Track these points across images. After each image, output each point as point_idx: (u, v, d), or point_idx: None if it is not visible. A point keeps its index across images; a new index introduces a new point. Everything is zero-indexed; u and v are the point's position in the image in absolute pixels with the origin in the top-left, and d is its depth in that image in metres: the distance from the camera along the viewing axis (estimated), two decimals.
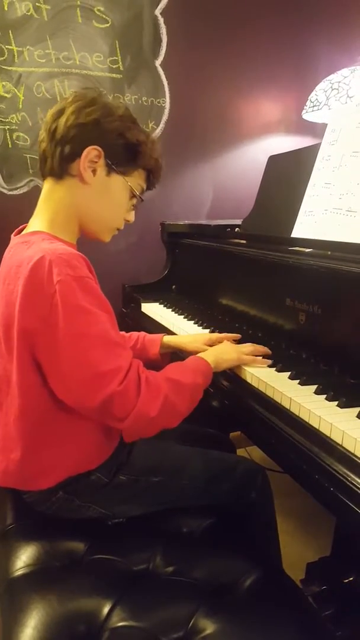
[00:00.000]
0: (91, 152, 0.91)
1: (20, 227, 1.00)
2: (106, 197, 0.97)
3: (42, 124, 0.95)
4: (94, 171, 0.93)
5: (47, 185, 0.96)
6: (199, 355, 0.99)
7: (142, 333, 1.22)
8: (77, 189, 0.93)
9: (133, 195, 1.00)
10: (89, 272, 0.85)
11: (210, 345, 1.13)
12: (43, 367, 0.83)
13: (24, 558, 0.88)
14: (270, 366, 1.01)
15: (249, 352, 1.04)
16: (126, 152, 0.95)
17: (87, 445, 0.92)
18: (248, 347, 1.06)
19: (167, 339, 1.20)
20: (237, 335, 1.17)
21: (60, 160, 0.91)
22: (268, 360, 1.03)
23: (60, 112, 0.91)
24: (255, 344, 1.07)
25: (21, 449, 0.88)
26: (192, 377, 0.91)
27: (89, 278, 0.83)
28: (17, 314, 0.81)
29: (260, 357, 1.04)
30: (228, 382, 1.04)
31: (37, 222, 0.94)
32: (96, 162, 0.92)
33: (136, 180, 1.00)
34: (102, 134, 0.91)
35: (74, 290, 0.79)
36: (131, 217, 1.04)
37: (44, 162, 0.95)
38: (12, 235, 0.98)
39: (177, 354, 1.21)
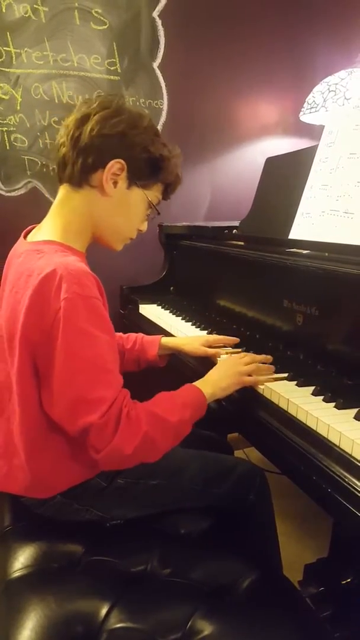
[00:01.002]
0: (115, 165, 0.90)
1: (29, 227, 0.99)
2: (124, 209, 0.96)
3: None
4: (114, 183, 0.92)
5: (64, 192, 0.94)
6: (195, 383, 0.94)
7: (140, 334, 1.22)
8: (95, 199, 0.93)
9: (149, 207, 1.00)
10: (98, 292, 0.84)
11: (208, 347, 1.13)
12: (40, 379, 0.83)
13: (21, 559, 0.88)
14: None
15: (252, 371, 0.96)
16: (149, 166, 0.95)
17: (87, 456, 0.92)
18: (250, 367, 0.97)
19: (165, 340, 1.20)
20: (235, 340, 1.16)
21: (81, 170, 0.90)
22: (272, 372, 0.98)
23: (85, 119, 0.90)
24: (254, 356, 1.01)
25: (24, 457, 0.88)
26: (179, 413, 0.86)
27: (97, 299, 0.82)
28: (21, 324, 0.81)
29: (266, 366, 0.99)
30: None
31: (50, 228, 0.93)
32: (118, 175, 0.92)
33: (154, 193, 1.00)
34: (126, 148, 0.91)
35: (78, 309, 0.78)
36: (144, 227, 1.04)
37: (63, 167, 0.93)
38: (21, 236, 0.98)
39: (175, 355, 1.22)
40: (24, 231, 0.99)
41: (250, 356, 1.00)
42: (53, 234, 0.91)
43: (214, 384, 0.94)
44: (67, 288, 0.78)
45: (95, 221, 0.95)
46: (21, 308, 0.81)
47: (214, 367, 1.00)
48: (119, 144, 0.90)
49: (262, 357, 1.01)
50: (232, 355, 1.07)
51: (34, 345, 0.81)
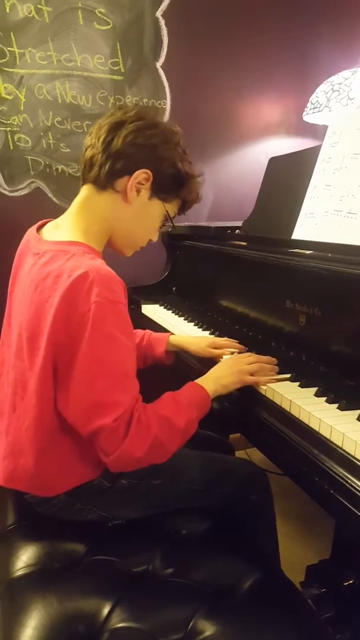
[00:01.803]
0: (141, 174, 0.92)
1: (42, 222, 1.00)
2: (142, 218, 0.99)
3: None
4: (137, 191, 0.94)
5: (86, 192, 0.96)
6: (197, 381, 0.95)
7: (148, 331, 1.23)
8: (117, 204, 0.95)
9: (165, 219, 1.02)
10: (125, 297, 0.85)
11: (214, 349, 1.13)
12: (57, 379, 0.84)
13: (24, 558, 0.88)
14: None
15: (255, 371, 0.96)
16: (173, 181, 0.98)
17: (93, 456, 0.92)
18: (252, 367, 0.97)
19: (172, 338, 1.20)
20: (241, 347, 1.14)
21: (108, 173, 0.92)
22: (275, 373, 0.98)
23: (120, 125, 0.92)
24: (259, 356, 1.00)
25: (31, 455, 0.88)
26: (187, 414, 0.87)
27: (124, 305, 0.84)
28: (49, 326, 0.81)
29: (269, 367, 0.98)
30: None
31: (71, 228, 0.93)
32: (143, 184, 0.94)
33: (172, 207, 1.03)
34: (156, 160, 0.93)
35: (106, 313, 0.79)
36: (156, 237, 1.06)
37: (89, 168, 0.94)
38: (34, 230, 0.98)
39: (179, 354, 1.22)
40: (37, 224, 1.00)
41: (254, 356, 1.01)
42: (75, 234, 0.92)
43: (215, 380, 0.95)
44: (98, 292, 0.78)
45: (112, 225, 0.97)
46: (49, 308, 0.82)
47: (217, 365, 1.01)
48: (150, 155, 0.93)
49: (267, 358, 1.01)
50: (236, 354, 1.06)
51: (57, 345, 0.81)
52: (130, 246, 1.04)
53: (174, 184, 0.98)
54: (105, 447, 0.80)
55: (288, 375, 0.96)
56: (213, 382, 0.94)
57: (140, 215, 0.98)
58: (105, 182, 0.93)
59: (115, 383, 0.80)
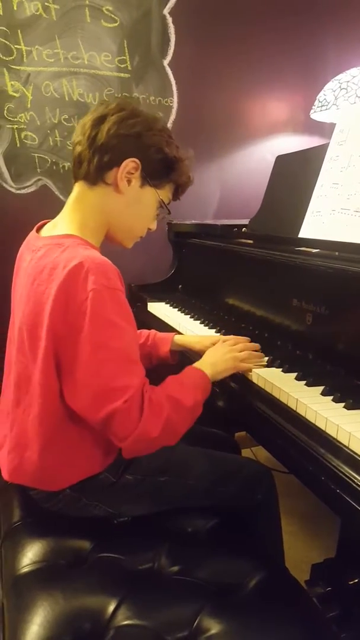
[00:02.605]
0: (130, 164, 0.93)
1: (41, 222, 1.01)
2: (136, 208, 0.99)
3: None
4: (128, 181, 0.94)
5: (79, 189, 0.97)
6: (195, 365, 0.98)
7: (153, 331, 1.23)
8: (109, 197, 0.95)
9: (160, 206, 1.02)
10: (121, 284, 0.86)
11: None
12: (61, 371, 0.84)
13: (30, 555, 0.89)
14: (276, 367, 1.01)
15: (245, 358, 1.01)
16: (162, 166, 0.98)
17: (99, 450, 0.93)
18: (244, 354, 1.02)
19: (177, 338, 1.21)
20: (246, 339, 1.15)
21: (97, 167, 0.93)
22: (264, 360, 1.03)
23: (102, 119, 0.92)
24: (246, 343, 1.07)
25: (36, 448, 0.89)
26: (192, 396, 0.89)
27: (122, 291, 0.84)
28: (48, 316, 0.82)
29: (257, 354, 1.04)
30: (234, 382, 1.04)
31: (67, 224, 0.94)
32: (133, 173, 0.94)
33: (166, 193, 1.02)
34: (142, 147, 0.93)
35: (105, 300, 0.80)
36: (154, 225, 1.06)
37: (78, 165, 0.95)
38: (33, 230, 0.99)
39: (182, 353, 1.22)
40: (36, 225, 1.01)
41: (244, 344, 1.06)
42: (71, 228, 0.93)
43: (211, 366, 0.97)
44: (94, 280, 0.79)
45: (108, 218, 0.97)
46: (46, 299, 0.82)
47: (208, 351, 1.04)
48: (135, 144, 0.93)
49: (253, 345, 1.07)
50: (225, 341, 1.09)
51: (58, 336, 0.82)
52: (129, 237, 1.04)
53: (164, 169, 0.98)
54: (121, 431, 0.80)
55: (294, 374, 0.95)
56: (209, 367, 0.97)
57: (134, 204, 0.98)
58: (95, 177, 0.94)
59: (121, 367, 0.81)
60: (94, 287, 0.79)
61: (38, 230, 0.99)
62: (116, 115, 0.92)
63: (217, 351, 1.03)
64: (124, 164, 0.92)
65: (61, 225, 0.95)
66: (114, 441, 0.83)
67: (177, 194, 1.06)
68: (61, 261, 0.83)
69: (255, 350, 1.06)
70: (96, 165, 0.92)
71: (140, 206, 0.99)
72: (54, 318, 0.81)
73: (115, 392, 0.79)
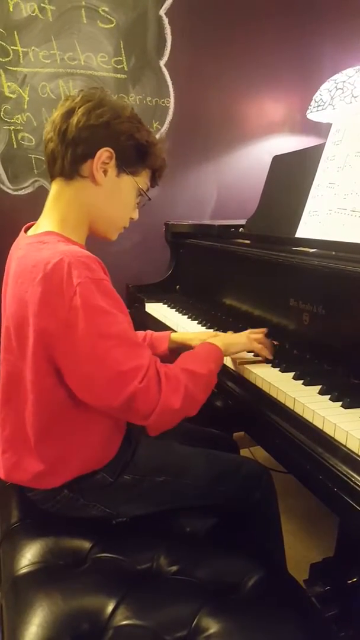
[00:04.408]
0: (103, 153, 0.92)
1: (29, 224, 1.01)
2: (116, 197, 0.98)
3: (47, 124, 0.96)
4: (104, 172, 0.94)
5: (56, 186, 0.96)
6: (208, 340, 1.02)
7: (149, 331, 1.23)
8: (87, 189, 0.94)
9: (139, 194, 1.01)
10: (105, 274, 0.86)
11: None
12: (62, 369, 0.84)
13: (28, 556, 0.89)
14: (274, 366, 1.01)
15: (259, 340, 1.07)
16: (136, 153, 0.97)
17: (94, 445, 0.93)
18: (258, 336, 1.08)
19: (173, 335, 1.21)
20: None
21: (71, 162, 0.92)
22: (270, 356, 1.06)
23: (70, 113, 0.91)
24: (265, 340, 1.09)
25: (31, 446, 0.89)
26: (206, 365, 0.93)
27: (107, 280, 0.84)
28: (34, 315, 0.82)
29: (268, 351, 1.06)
30: (232, 382, 1.04)
31: (48, 222, 0.94)
32: (107, 163, 0.93)
33: (143, 179, 1.02)
34: (113, 136, 0.93)
35: (93, 292, 0.80)
36: (136, 215, 1.05)
37: (52, 162, 0.95)
38: (21, 232, 0.99)
39: (183, 351, 1.22)
40: (25, 226, 1.01)
41: (261, 332, 1.11)
42: (51, 225, 0.93)
43: (222, 341, 1.03)
44: (78, 274, 0.79)
45: (89, 211, 0.97)
46: (30, 298, 0.82)
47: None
48: (105, 133, 0.92)
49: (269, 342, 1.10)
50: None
51: (50, 336, 0.82)
52: (112, 229, 1.03)
53: (138, 155, 0.98)
54: (144, 408, 0.81)
55: (292, 374, 0.96)
56: (221, 341, 1.03)
57: (113, 194, 0.97)
58: (70, 171, 0.93)
59: (126, 351, 0.82)
60: (79, 281, 0.79)
61: (26, 231, 0.99)
62: (83, 107, 0.91)
63: (234, 334, 1.10)
64: (97, 154, 0.91)
65: (43, 223, 0.95)
66: (137, 421, 0.85)
67: (154, 179, 1.05)
68: (42, 259, 0.82)
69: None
70: (70, 159, 0.92)
71: (119, 195, 0.98)
72: (42, 317, 0.81)
73: (128, 375, 0.80)
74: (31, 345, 0.84)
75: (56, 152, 0.93)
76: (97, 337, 0.80)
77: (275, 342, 1.11)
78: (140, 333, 1.22)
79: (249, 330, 1.11)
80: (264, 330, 1.12)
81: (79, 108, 0.91)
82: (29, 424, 0.89)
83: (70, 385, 0.85)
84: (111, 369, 0.80)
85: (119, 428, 0.96)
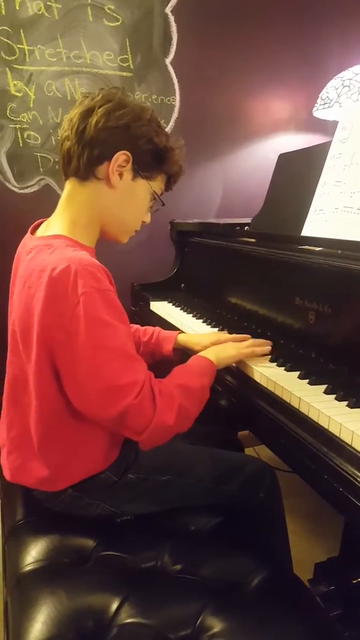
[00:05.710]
0: (120, 157, 0.91)
1: (37, 222, 1.00)
2: (130, 201, 0.97)
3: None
4: (120, 175, 0.93)
5: (70, 186, 0.95)
6: (200, 354, 1.00)
7: (157, 328, 1.23)
8: (101, 191, 0.93)
9: (153, 198, 1.01)
10: (110, 284, 0.86)
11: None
12: (61, 375, 0.84)
13: (33, 553, 0.89)
14: (279, 365, 1.01)
15: (248, 345, 1.05)
16: (153, 157, 0.96)
17: (98, 448, 0.93)
18: (246, 343, 1.07)
19: (180, 337, 1.20)
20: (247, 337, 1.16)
21: (87, 163, 0.91)
22: (268, 348, 1.06)
23: (89, 112, 0.90)
24: (255, 339, 1.09)
25: (36, 449, 0.89)
26: (199, 380, 0.92)
27: (111, 291, 0.84)
28: (38, 321, 0.82)
29: (262, 348, 1.06)
30: (236, 381, 1.04)
31: (59, 223, 0.93)
32: (124, 166, 0.92)
33: (158, 184, 1.01)
34: (131, 139, 0.92)
35: (96, 302, 0.80)
36: (148, 218, 1.05)
37: (68, 162, 0.93)
38: (28, 232, 0.99)
39: (185, 352, 1.22)
40: (32, 226, 1.00)
41: (250, 341, 1.08)
42: (62, 228, 0.92)
43: (214, 354, 1.00)
44: (83, 283, 0.79)
45: (101, 214, 0.96)
46: (36, 303, 0.82)
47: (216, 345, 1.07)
48: (124, 136, 0.91)
49: (261, 341, 1.08)
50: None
51: (53, 341, 0.82)
52: (124, 232, 1.02)
53: (155, 160, 0.97)
54: (136, 425, 0.81)
55: (297, 373, 0.95)
56: (213, 354, 1.00)
57: (127, 198, 0.96)
58: (86, 172, 0.92)
59: (123, 365, 0.82)
60: (84, 290, 0.78)
61: (33, 231, 0.99)
62: (103, 108, 0.90)
63: (222, 345, 1.07)
64: (114, 157, 0.90)
65: (53, 224, 0.94)
66: (130, 436, 0.84)
67: (169, 184, 1.04)
68: (49, 264, 0.82)
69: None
70: (86, 160, 0.90)
71: (133, 199, 0.98)
72: (45, 323, 0.81)
73: (122, 390, 0.80)
74: (35, 349, 0.84)
75: (72, 152, 0.92)
76: (96, 348, 0.79)
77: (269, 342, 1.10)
78: (149, 329, 1.22)
79: (232, 338, 1.10)
80: (247, 336, 1.11)
81: (98, 108, 0.90)
82: (33, 428, 0.89)
83: (67, 393, 0.85)
84: (106, 381, 0.80)
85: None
